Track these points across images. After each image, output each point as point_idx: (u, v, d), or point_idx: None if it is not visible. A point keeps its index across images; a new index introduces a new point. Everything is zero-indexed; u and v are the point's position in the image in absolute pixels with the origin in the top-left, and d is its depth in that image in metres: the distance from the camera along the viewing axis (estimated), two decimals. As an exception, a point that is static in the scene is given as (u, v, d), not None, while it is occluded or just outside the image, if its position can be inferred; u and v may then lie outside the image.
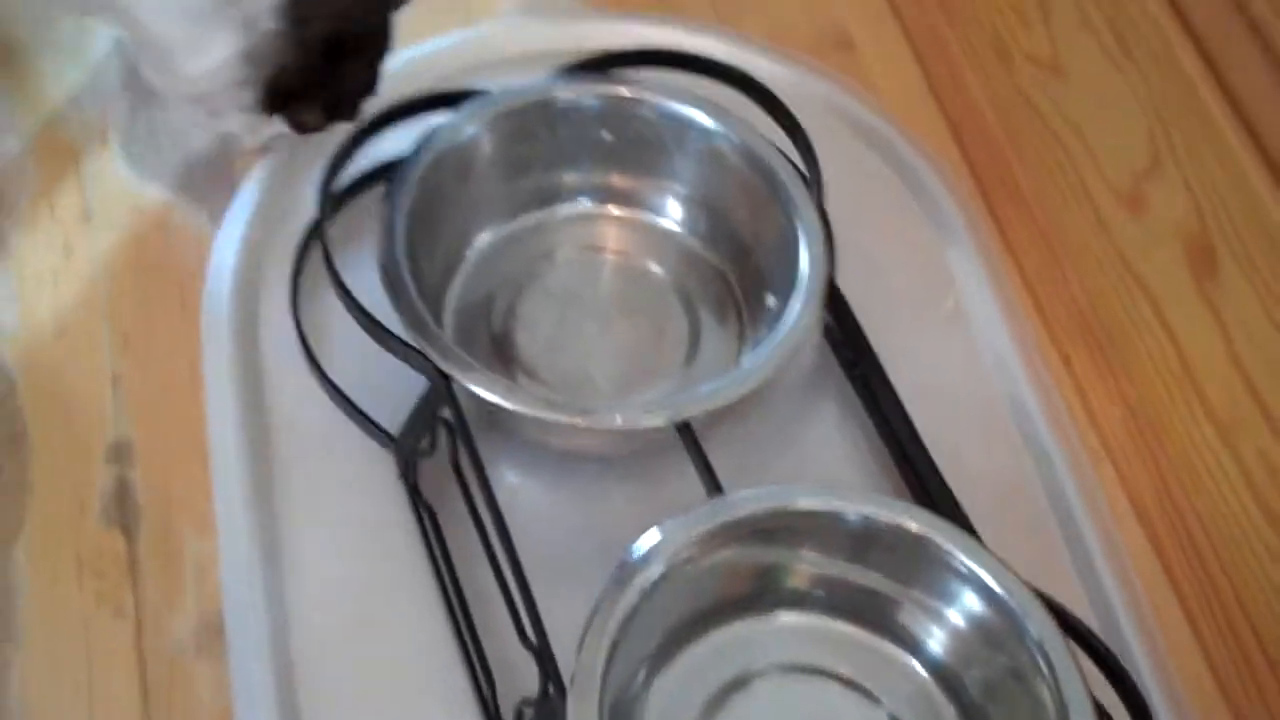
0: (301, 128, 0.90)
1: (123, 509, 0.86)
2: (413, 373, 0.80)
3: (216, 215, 0.95)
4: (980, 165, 1.04)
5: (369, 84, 0.89)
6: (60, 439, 0.89)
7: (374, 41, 0.89)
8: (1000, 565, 0.71)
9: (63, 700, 0.82)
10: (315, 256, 0.87)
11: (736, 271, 0.91)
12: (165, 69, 0.86)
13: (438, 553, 0.81)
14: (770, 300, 0.87)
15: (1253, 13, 0.76)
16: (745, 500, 0.72)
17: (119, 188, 0.99)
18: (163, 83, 0.88)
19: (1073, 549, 0.86)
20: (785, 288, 0.84)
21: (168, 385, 0.90)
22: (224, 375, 0.86)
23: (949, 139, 1.06)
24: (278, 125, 0.89)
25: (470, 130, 0.86)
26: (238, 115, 0.88)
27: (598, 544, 0.80)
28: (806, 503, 0.71)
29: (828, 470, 0.86)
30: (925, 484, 0.80)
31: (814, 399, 0.90)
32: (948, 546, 0.71)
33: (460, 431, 0.77)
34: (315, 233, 0.85)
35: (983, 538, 0.74)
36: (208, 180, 0.99)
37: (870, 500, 0.72)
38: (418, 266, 0.82)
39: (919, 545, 0.71)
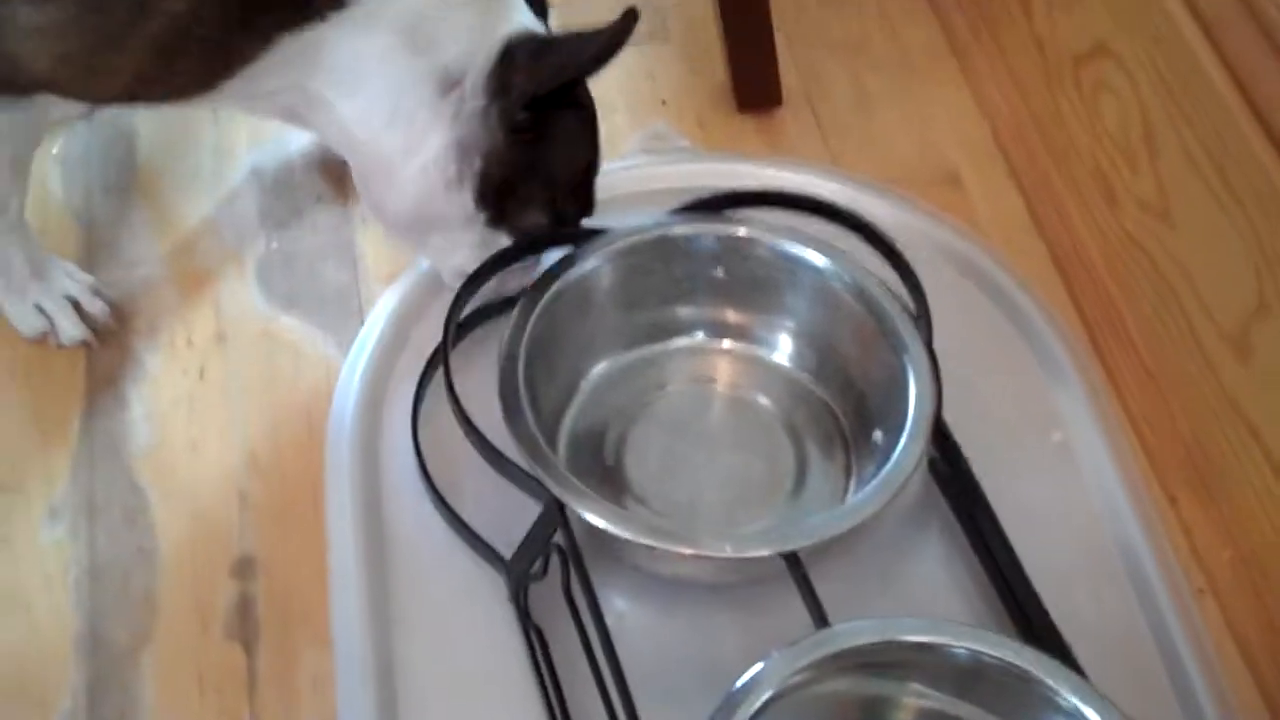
0: (525, 237, 0.91)
1: (244, 624, 0.89)
2: (526, 498, 0.82)
3: (344, 342, 0.99)
4: (1086, 304, 1.05)
5: (584, 175, 0.92)
6: (188, 554, 0.92)
7: (579, 121, 0.91)
8: (1106, 703, 0.71)
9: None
10: (436, 383, 0.90)
11: (844, 407, 0.93)
12: (386, 181, 0.89)
13: (545, 674, 0.83)
14: (878, 436, 0.88)
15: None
16: (852, 632, 0.73)
17: (252, 313, 1.03)
18: (386, 202, 0.90)
19: (1178, 687, 0.86)
20: (893, 424, 0.85)
21: (292, 504, 0.94)
22: (345, 496, 0.89)
23: (1055, 278, 1.08)
24: (503, 240, 0.91)
25: (590, 264, 0.89)
26: (461, 230, 0.90)
27: (704, 671, 0.81)
28: (914, 636, 0.72)
29: (933, 605, 0.87)
30: (1031, 621, 0.81)
31: (920, 534, 0.91)
32: (1054, 684, 0.71)
33: (572, 556, 0.79)
34: (438, 359, 0.89)
35: (1089, 673, 0.75)
36: (337, 308, 1.03)
37: (978, 636, 0.73)
38: (535, 395, 0.84)
39: (1026, 682, 0.71)
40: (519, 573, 0.84)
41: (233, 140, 1.13)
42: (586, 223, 0.92)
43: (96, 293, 1.01)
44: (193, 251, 1.07)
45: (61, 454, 0.96)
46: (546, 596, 0.84)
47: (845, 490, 0.90)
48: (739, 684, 0.72)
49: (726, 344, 0.95)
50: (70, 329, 1.00)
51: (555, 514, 0.80)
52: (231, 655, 0.88)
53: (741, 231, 0.91)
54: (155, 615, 0.90)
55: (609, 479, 0.89)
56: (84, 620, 0.89)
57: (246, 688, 0.87)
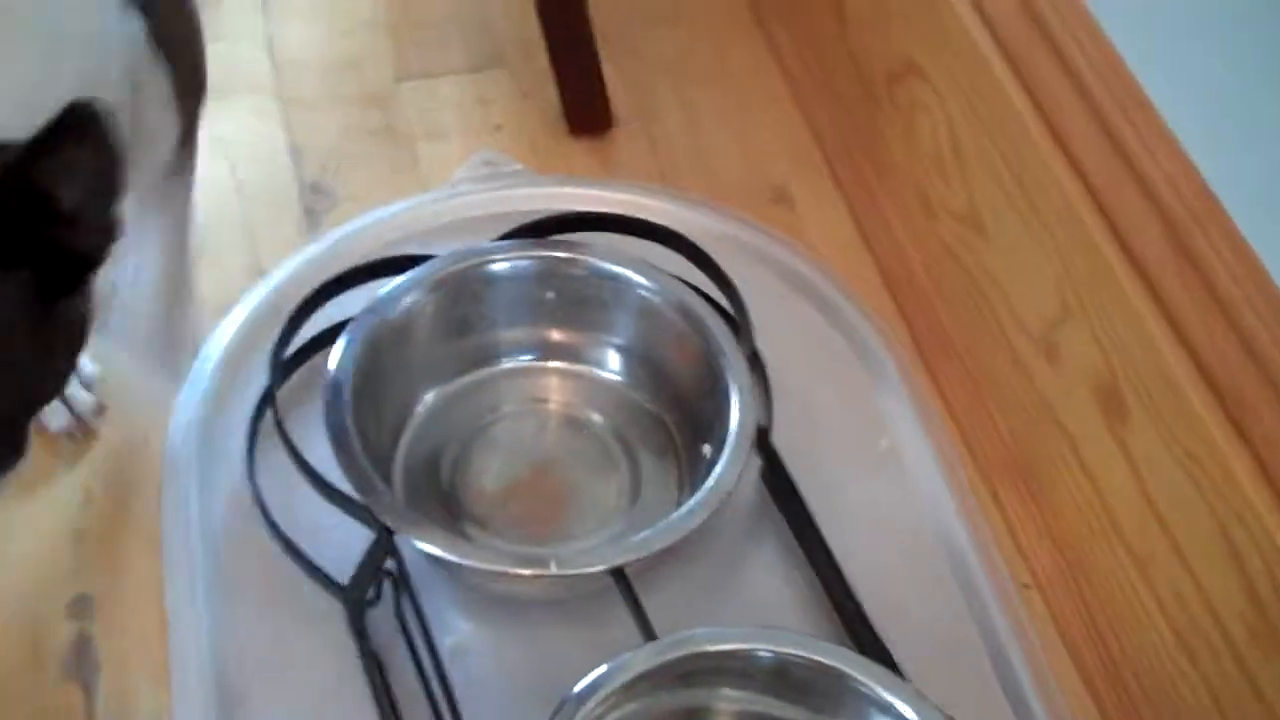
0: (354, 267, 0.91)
1: (82, 663, 0.89)
2: (364, 528, 0.83)
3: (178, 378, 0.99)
4: (911, 313, 1.09)
5: None
6: (23, 593, 0.92)
7: None
8: (918, 695, 0.74)
9: None
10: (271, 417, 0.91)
11: (675, 419, 0.95)
12: None
13: (384, 700, 0.83)
14: (706, 449, 0.90)
15: (1140, 170, 0.81)
16: (667, 646, 0.75)
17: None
18: None
19: (1004, 681, 0.89)
20: (718, 436, 0.88)
21: (129, 540, 0.94)
22: (181, 531, 0.89)
23: (882, 289, 1.11)
24: None
25: (413, 295, 0.90)
26: None
27: (540, 687, 0.83)
28: (718, 645, 0.75)
29: (770, 613, 0.89)
30: (847, 619, 0.83)
31: (754, 544, 0.93)
32: (864, 679, 0.74)
33: (402, 581, 0.80)
34: (266, 400, 0.89)
35: (916, 672, 0.77)
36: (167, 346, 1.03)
37: (784, 639, 0.76)
38: (365, 426, 0.85)
39: (837, 679, 0.74)
40: (354, 600, 0.85)
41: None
42: (412, 250, 0.93)
43: (88, 386, 1.01)
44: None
45: (-109, 501, 0.95)
46: (386, 624, 0.85)
47: (678, 503, 0.92)
48: (569, 698, 0.74)
49: (556, 364, 0.96)
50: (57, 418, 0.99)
51: (385, 540, 0.81)
52: (69, 695, 0.88)
53: (563, 254, 0.93)
54: (-11, 659, 0.89)
55: (446, 503, 0.90)
56: (-83, 668, 0.88)
57: (86, 728, 0.87)
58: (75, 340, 0.78)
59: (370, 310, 0.90)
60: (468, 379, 0.95)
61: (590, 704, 0.74)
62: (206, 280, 1.07)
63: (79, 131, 0.67)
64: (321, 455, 0.85)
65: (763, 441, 0.89)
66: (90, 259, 0.74)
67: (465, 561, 0.80)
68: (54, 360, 0.77)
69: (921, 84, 1.01)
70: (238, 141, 1.18)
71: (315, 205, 1.14)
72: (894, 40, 1.05)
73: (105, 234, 0.73)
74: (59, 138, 0.67)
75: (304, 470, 0.84)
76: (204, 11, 1.23)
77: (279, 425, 0.86)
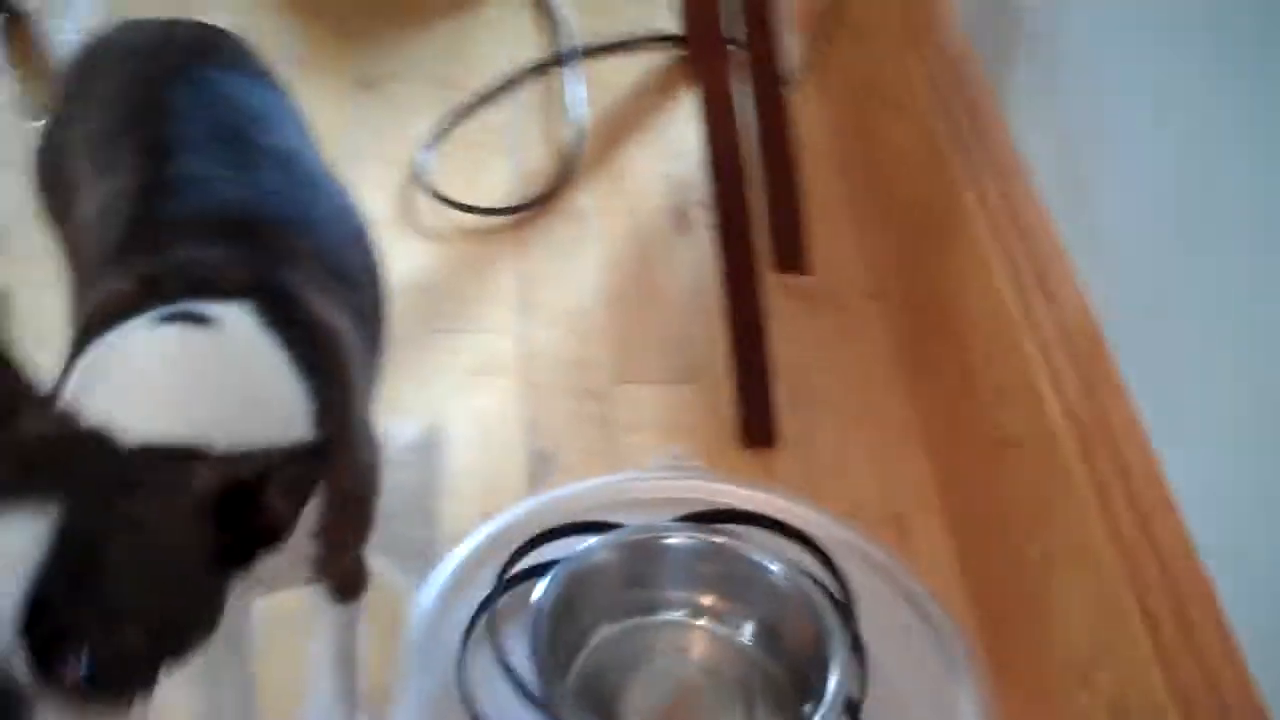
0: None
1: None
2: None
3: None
4: (989, 635, 1.34)
5: None
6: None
7: None
8: None
9: None
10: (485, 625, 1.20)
11: (789, 680, 1.21)
12: None
13: None
14: (807, 708, 1.16)
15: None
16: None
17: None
18: None
19: None
20: (819, 697, 1.14)
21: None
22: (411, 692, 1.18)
23: (971, 608, 1.37)
24: None
25: (604, 554, 1.20)
26: None
27: None
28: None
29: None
30: None
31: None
32: None
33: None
34: (486, 605, 1.19)
35: None
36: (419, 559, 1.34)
37: None
38: (555, 644, 1.14)
39: None
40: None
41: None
42: (609, 517, 1.23)
43: None
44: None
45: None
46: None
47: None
48: None
49: (702, 623, 1.24)
50: None
51: (562, 733, 1.09)
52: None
53: (721, 539, 1.22)
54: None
55: (607, 713, 1.18)
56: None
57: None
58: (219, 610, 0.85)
59: (571, 559, 1.19)
60: (632, 623, 1.23)
61: None
62: (447, 511, 1.39)
63: (307, 461, 0.81)
64: (518, 658, 1.14)
65: (853, 712, 1.15)
66: (268, 539, 0.84)
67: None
68: (209, 617, 0.84)
69: (1020, 452, 1.29)
70: (487, 411, 1.50)
71: (538, 469, 1.45)
72: (1005, 415, 1.33)
73: (289, 527, 0.84)
74: (291, 462, 0.80)
75: (504, 668, 1.13)
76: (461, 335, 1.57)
77: (491, 627, 1.15)
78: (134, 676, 0.78)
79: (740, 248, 1.39)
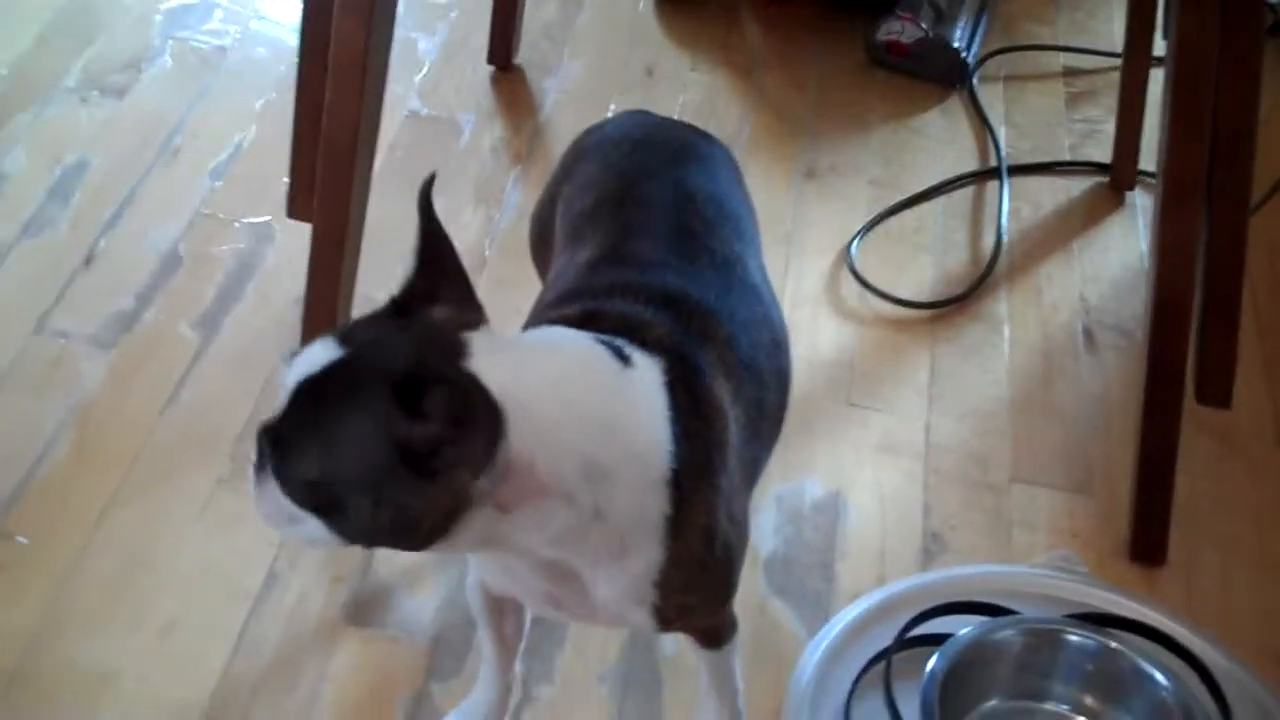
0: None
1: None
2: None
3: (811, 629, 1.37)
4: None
5: None
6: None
7: None
8: None
9: None
10: (875, 678, 1.26)
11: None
12: None
13: None
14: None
15: None
16: None
17: (754, 593, 1.43)
18: None
19: None
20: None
21: None
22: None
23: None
24: None
25: (1005, 634, 1.25)
26: None
27: None
28: None
29: None
30: None
31: None
32: None
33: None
34: (882, 656, 1.26)
35: None
36: (813, 605, 1.41)
37: None
38: (945, 707, 1.19)
39: None
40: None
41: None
42: (999, 604, 1.28)
43: None
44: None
45: None
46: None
47: None
48: None
49: (1080, 719, 1.27)
50: None
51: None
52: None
53: (1113, 643, 1.25)
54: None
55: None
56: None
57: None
58: (438, 514, 0.93)
59: (973, 631, 1.25)
60: (1020, 704, 1.28)
61: None
62: (843, 571, 1.46)
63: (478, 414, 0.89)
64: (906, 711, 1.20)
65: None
66: (429, 465, 0.90)
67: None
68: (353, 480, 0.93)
69: None
70: (888, 486, 1.56)
71: (930, 547, 1.50)
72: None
73: (432, 448, 0.90)
74: (457, 385, 0.89)
75: (894, 715, 1.19)
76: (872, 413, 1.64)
77: (886, 677, 1.21)
78: (330, 513, 0.93)
79: (1170, 376, 1.42)
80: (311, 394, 0.93)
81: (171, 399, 1.62)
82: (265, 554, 1.46)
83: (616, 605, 1.05)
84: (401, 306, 0.97)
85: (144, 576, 1.44)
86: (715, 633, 1.20)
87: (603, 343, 1.02)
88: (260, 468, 0.97)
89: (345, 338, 0.94)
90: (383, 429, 0.90)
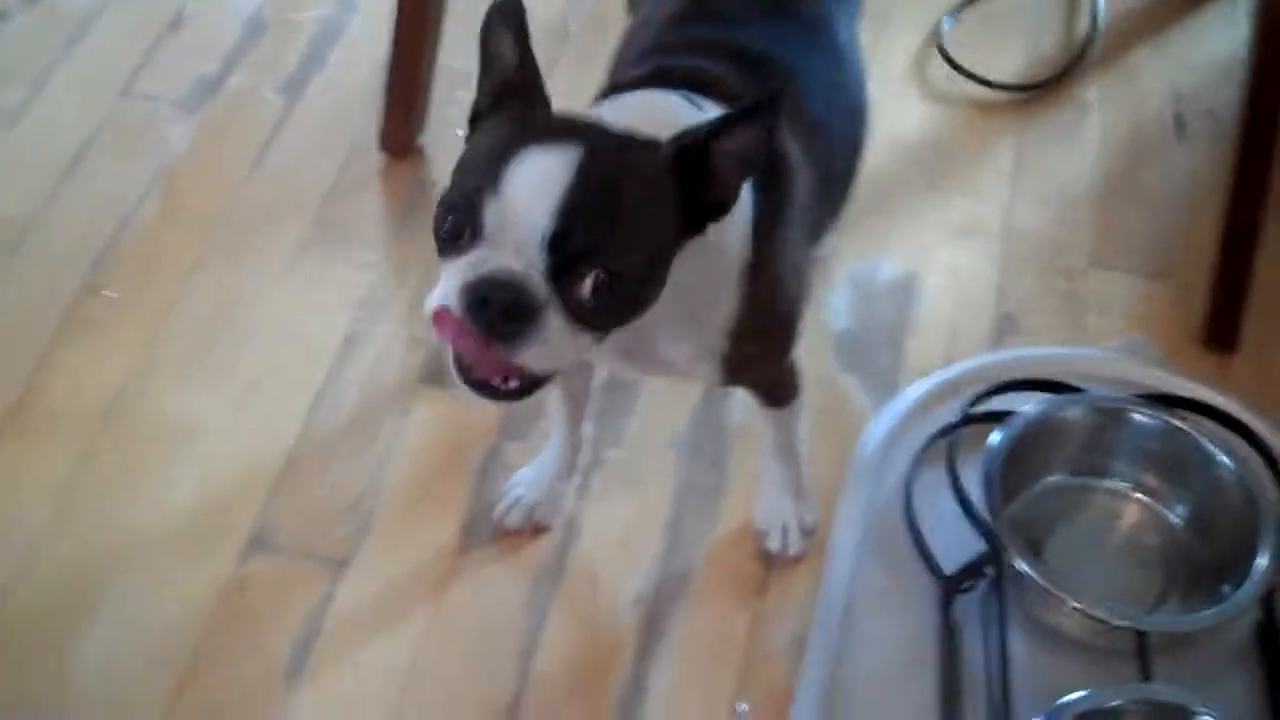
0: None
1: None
2: (971, 544, 1.18)
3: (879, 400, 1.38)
4: None
5: None
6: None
7: None
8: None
9: None
10: (940, 451, 1.27)
11: (1214, 563, 1.23)
12: None
13: (949, 665, 1.17)
14: (1226, 589, 1.18)
15: None
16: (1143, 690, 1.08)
17: (824, 371, 1.43)
18: None
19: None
20: (1239, 581, 1.16)
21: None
22: (857, 505, 1.28)
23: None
24: None
25: (1070, 411, 1.25)
26: None
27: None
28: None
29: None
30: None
31: (1236, 672, 1.20)
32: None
33: (996, 583, 1.14)
34: (947, 431, 1.26)
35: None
36: (884, 379, 1.42)
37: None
38: (1004, 481, 1.20)
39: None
40: (952, 585, 1.20)
41: (840, 250, 1.54)
42: (1074, 383, 1.27)
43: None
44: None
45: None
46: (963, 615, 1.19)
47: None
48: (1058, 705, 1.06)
49: (1140, 495, 1.28)
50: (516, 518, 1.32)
51: (994, 553, 1.16)
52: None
53: (1177, 421, 1.25)
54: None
55: (1036, 552, 1.23)
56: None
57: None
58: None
59: (1039, 408, 1.25)
60: (1079, 481, 1.28)
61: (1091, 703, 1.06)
62: (913, 348, 1.46)
63: (748, 123, 0.90)
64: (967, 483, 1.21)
65: (1267, 605, 1.17)
66: (714, 211, 0.94)
67: (1043, 584, 1.13)
68: (664, 272, 0.94)
69: None
70: (963, 268, 1.55)
71: (1002, 327, 1.48)
72: None
73: (734, 192, 0.95)
74: (732, 125, 0.90)
75: (955, 487, 1.20)
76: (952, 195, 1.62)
77: (950, 448, 1.22)
78: (620, 306, 0.91)
79: (1260, 155, 1.39)
80: (599, 192, 0.89)
81: (256, 162, 1.64)
82: (346, 315, 1.49)
83: (686, 359, 1.07)
84: (517, 100, 0.95)
85: (228, 333, 1.47)
86: (778, 390, 1.23)
87: (680, 95, 1.04)
88: (519, 316, 0.88)
89: (549, 137, 0.90)
90: (673, 198, 0.92)
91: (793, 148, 1.08)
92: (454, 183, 0.93)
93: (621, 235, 0.89)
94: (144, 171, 1.62)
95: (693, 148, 0.92)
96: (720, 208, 0.94)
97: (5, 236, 1.55)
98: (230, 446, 1.38)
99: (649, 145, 0.93)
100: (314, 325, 1.48)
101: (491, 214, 0.88)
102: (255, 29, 1.78)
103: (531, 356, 0.90)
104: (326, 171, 1.63)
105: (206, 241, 1.55)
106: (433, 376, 1.44)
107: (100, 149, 1.64)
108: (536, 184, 0.87)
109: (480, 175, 0.89)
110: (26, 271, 1.52)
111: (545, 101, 0.97)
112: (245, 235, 1.57)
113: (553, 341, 0.89)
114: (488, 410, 1.40)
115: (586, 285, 0.88)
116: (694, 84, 1.05)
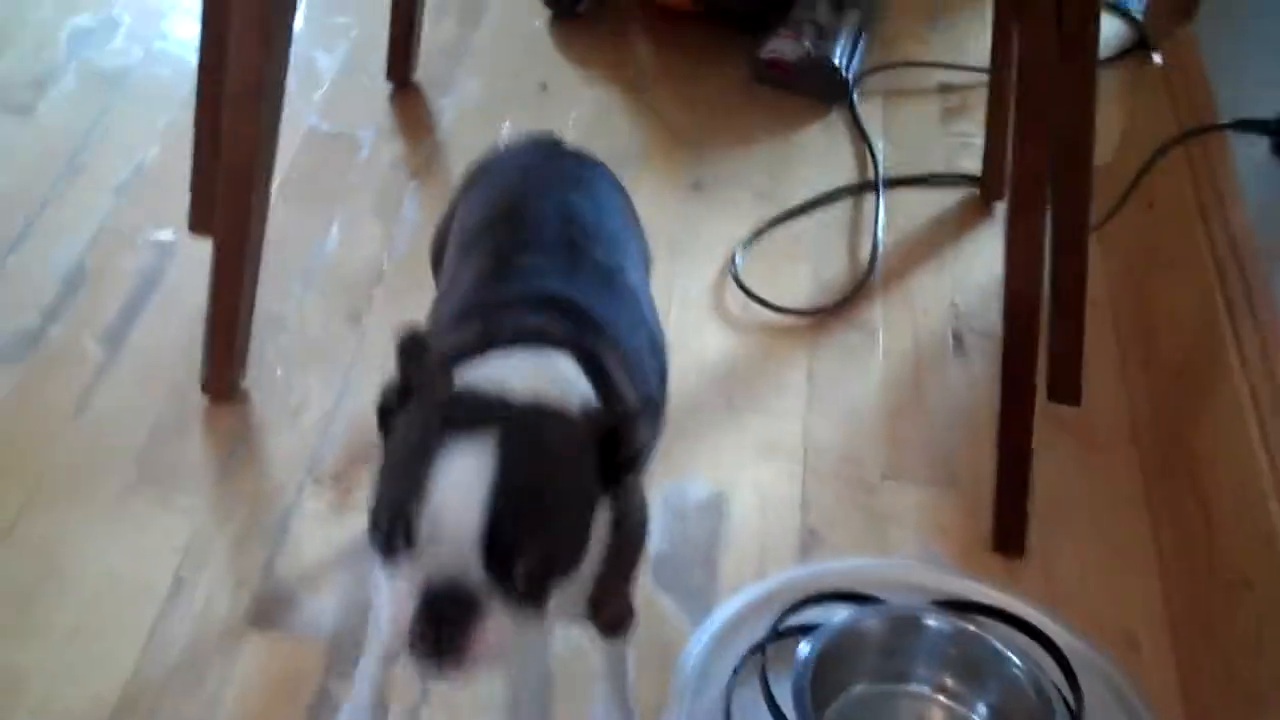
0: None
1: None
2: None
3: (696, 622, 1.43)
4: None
5: None
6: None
7: None
8: None
9: None
10: (754, 666, 1.32)
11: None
12: None
13: None
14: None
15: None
16: None
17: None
18: None
19: None
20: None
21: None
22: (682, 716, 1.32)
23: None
24: None
25: (869, 621, 1.32)
26: None
27: None
28: None
29: None
30: None
31: None
32: None
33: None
34: (759, 648, 1.32)
35: None
36: (697, 602, 1.47)
37: None
38: (816, 691, 1.26)
39: None
40: (773, 798, 1.24)
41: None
42: (870, 593, 1.35)
43: None
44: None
45: None
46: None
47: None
48: None
49: (941, 698, 1.35)
50: None
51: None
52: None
53: (972, 628, 1.33)
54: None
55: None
56: None
57: None
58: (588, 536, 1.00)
59: (839, 621, 1.31)
60: (884, 687, 1.34)
61: None
62: (725, 565, 1.53)
63: (656, 410, 1.10)
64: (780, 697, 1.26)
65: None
66: (631, 467, 1.01)
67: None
68: (589, 537, 1.00)
69: (1250, 594, 1.36)
70: (767, 485, 1.62)
71: (806, 541, 1.56)
72: (1237, 554, 1.40)
73: (646, 457, 1.03)
74: (645, 410, 1.05)
75: (769, 701, 1.25)
76: (752, 415, 1.71)
77: (760, 666, 1.28)
78: (559, 580, 0.95)
79: (1023, 375, 1.51)
80: (525, 481, 0.92)
81: (78, 411, 1.65)
82: (171, 560, 1.49)
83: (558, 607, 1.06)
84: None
85: (53, 583, 1.47)
86: (619, 620, 1.27)
87: (560, 353, 1.12)
88: (465, 616, 0.92)
89: (465, 428, 0.93)
90: (597, 478, 0.98)
91: (622, 379, 1.15)
92: (381, 492, 0.97)
93: (551, 518, 0.95)
94: (-38, 424, 1.62)
95: (610, 432, 0.99)
96: (632, 464, 1.01)
97: None
98: (56, 696, 1.37)
99: (562, 418, 0.99)
100: (140, 571, 1.49)
101: (423, 523, 0.91)
102: (75, 280, 1.81)
103: (483, 651, 0.93)
104: (148, 417, 1.65)
105: (29, 493, 1.55)
106: (260, 619, 1.45)
107: (-83, 402, 1.64)
108: (463, 487, 0.91)
109: (406, 484, 0.92)
110: None
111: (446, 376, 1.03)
112: (69, 484, 1.57)
113: (500, 631, 0.93)
114: (315, 649, 1.42)
115: (524, 573, 0.93)
116: (525, 340, 1.12)
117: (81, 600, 1.46)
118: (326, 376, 1.71)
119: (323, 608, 1.46)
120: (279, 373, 1.69)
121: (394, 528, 0.92)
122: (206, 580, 1.48)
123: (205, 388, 1.68)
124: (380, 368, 1.66)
